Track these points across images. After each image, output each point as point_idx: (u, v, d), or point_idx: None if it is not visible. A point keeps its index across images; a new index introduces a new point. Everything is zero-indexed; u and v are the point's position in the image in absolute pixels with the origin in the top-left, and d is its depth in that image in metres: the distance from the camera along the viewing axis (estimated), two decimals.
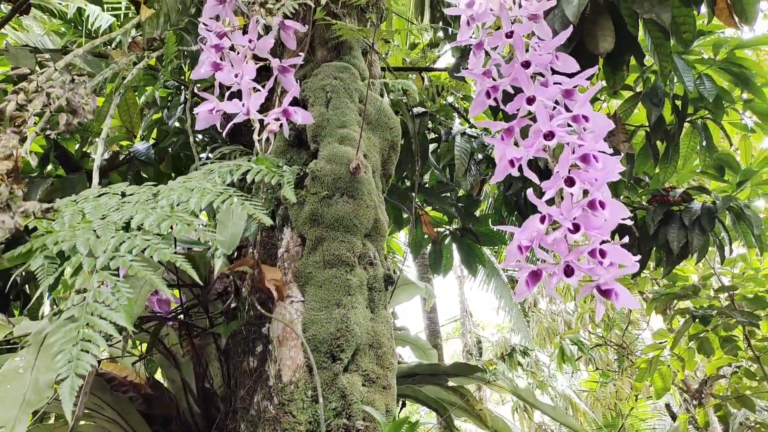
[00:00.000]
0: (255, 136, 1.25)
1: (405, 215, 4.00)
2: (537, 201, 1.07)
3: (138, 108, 2.84)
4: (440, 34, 3.83)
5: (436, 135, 3.50)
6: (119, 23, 4.87)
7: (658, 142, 3.26)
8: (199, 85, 2.08)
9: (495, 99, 1.34)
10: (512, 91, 1.37)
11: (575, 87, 1.26)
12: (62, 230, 0.88)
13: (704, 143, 3.35)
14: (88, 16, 4.97)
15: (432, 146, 3.49)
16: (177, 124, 2.70)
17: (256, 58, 1.35)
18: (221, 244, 1.40)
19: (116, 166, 3.14)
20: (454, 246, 4.02)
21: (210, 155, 2.57)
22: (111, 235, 0.87)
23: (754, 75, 3.05)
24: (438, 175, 3.63)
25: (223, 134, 1.43)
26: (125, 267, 0.79)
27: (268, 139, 1.20)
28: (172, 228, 0.90)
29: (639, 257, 1.05)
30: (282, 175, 1.07)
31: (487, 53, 1.47)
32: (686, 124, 3.27)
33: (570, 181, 1.07)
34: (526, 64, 1.26)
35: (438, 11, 2.65)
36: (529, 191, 1.09)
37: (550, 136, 1.13)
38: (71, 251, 0.81)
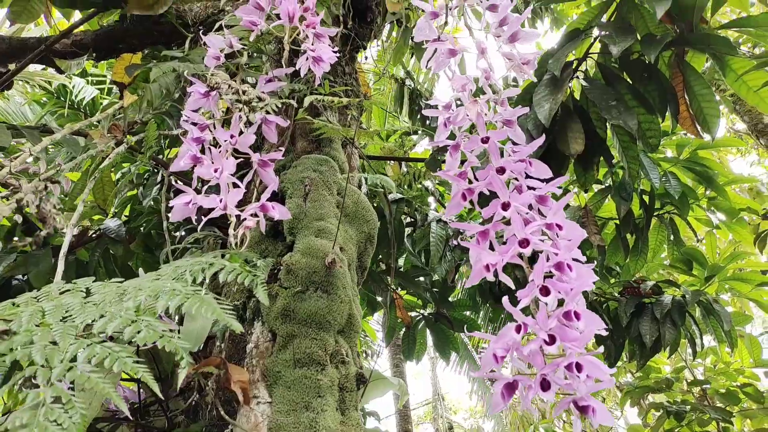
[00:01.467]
0: (230, 230, 1.24)
1: (379, 298, 3.96)
2: (512, 309, 1.06)
3: (113, 185, 2.82)
4: (405, 114, 3.96)
5: (412, 219, 3.53)
6: (102, 97, 4.93)
7: (628, 235, 3.34)
8: (174, 176, 2.08)
9: (471, 201, 1.36)
10: (487, 193, 1.39)
11: (548, 193, 1.29)
12: (18, 334, 0.84)
13: (672, 237, 3.44)
14: (72, 87, 5.02)
15: (407, 229, 3.52)
16: (152, 203, 2.68)
17: (236, 151, 1.36)
18: (187, 338, 1.35)
19: (84, 243, 3.07)
20: (428, 331, 3.97)
21: (183, 232, 2.54)
22: (70, 341, 0.83)
23: (716, 174, 3.19)
24: (413, 260, 3.63)
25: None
26: (82, 381, 0.75)
27: (243, 234, 1.19)
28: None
29: (614, 371, 1.04)
30: (255, 276, 1.05)
31: (463, 153, 1.51)
32: (654, 219, 3.37)
33: (545, 291, 1.07)
34: (501, 170, 1.30)
35: (416, 104, 2.74)
36: (505, 299, 1.08)
37: (525, 243, 1.15)
38: (26, 361, 0.77)
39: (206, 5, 2.64)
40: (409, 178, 3.27)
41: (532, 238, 1.15)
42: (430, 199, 3.82)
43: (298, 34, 1.41)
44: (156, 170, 2.79)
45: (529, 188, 1.34)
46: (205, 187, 1.41)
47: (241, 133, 1.33)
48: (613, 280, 3.65)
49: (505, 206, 1.23)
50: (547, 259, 1.14)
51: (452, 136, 1.53)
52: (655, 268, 3.72)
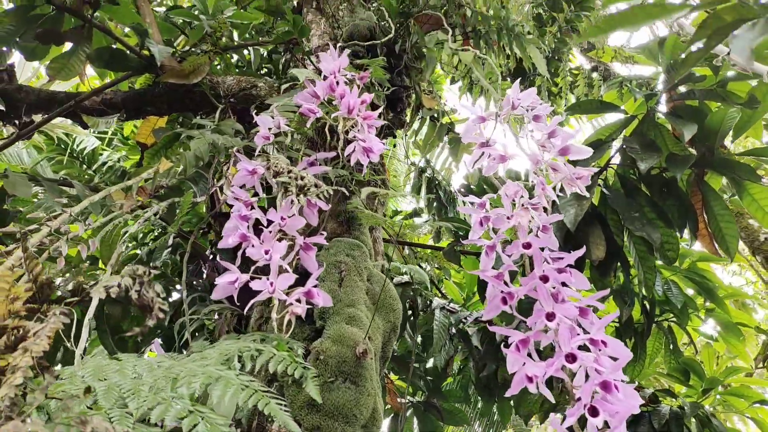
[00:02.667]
0: (273, 314, 1.22)
1: None
2: (560, 429, 1.04)
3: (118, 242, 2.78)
4: (423, 203, 4.02)
5: (412, 303, 3.51)
6: (102, 148, 4.94)
7: (627, 340, 3.34)
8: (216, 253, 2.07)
9: (510, 306, 1.36)
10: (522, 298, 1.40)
11: (589, 306, 1.30)
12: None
13: (671, 346, 3.44)
14: (75, 136, 5.05)
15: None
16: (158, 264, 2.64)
17: (281, 232, 1.37)
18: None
19: (80, 301, 2.98)
20: (415, 420, 3.85)
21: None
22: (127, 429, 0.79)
23: (716, 287, 3.24)
24: (409, 344, 3.58)
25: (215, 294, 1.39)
26: None
27: (289, 320, 1.17)
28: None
29: None
30: (306, 368, 1.02)
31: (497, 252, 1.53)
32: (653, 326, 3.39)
33: (593, 411, 1.06)
34: (545, 279, 1.31)
35: (434, 192, 2.80)
36: (555, 418, 1.07)
37: (571, 358, 1.14)
38: None
39: (239, 80, 2.72)
40: (414, 261, 3.28)
41: (578, 354, 1.14)
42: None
43: (352, 125, 1.46)
44: (164, 232, 2.77)
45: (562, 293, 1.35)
46: (238, 263, 1.40)
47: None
48: None
49: (550, 317, 1.23)
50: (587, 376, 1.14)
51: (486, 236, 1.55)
52: (649, 374, 3.70)
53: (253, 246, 1.25)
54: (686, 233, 2.07)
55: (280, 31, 2.74)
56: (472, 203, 1.56)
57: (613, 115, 2.30)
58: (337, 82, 1.47)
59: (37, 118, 2.97)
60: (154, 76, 2.72)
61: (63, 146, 4.92)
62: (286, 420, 0.86)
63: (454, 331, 3.44)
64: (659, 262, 3.42)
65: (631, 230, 1.95)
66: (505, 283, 1.42)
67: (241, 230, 1.29)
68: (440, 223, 2.59)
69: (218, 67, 3.02)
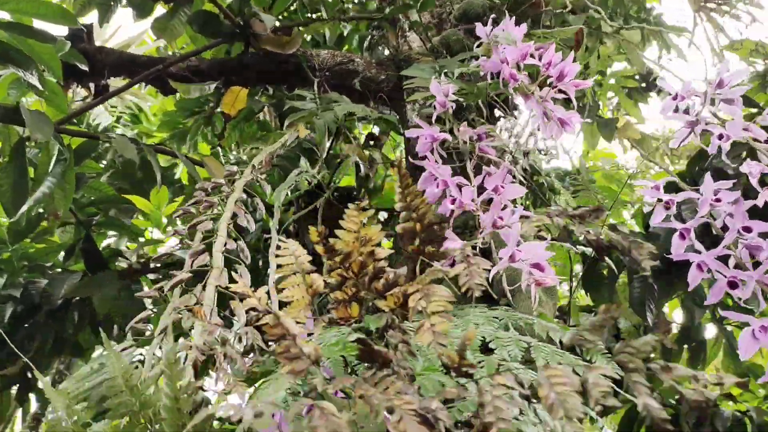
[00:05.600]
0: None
1: None
2: None
3: None
4: None
5: None
6: (114, 125, 4.74)
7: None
8: None
9: None
10: None
11: None
12: None
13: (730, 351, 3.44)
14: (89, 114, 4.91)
15: None
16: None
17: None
18: None
19: (151, 271, 2.87)
20: None
21: None
22: None
23: None
24: None
25: None
26: None
27: None
28: None
29: None
30: None
31: None
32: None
33: None
34: None
35: None
36: None
37: None
38: None
39: (333, 53, 2.63)
40: None
41: None
42: None
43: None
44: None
45: None
46: None
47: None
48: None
49: None
50: None
51: None
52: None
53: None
54: None
55: (374, 6, 2.65)
56: None
57: None
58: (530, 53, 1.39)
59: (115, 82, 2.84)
60: (244, 44, 2.62)
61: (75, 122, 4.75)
62: None
63: None
64: None
65: None
66: None
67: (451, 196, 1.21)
68: None
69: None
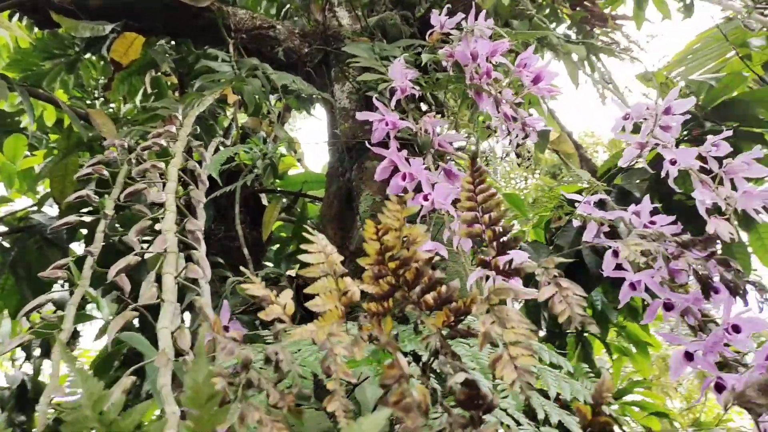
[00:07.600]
0: None
1: None
2: None
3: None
4: None
5: None
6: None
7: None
8: None
9: None
10: None
11: None
12: None
13: (583, 356, 3.73)
14: None
15: None
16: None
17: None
18: None
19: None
20: None
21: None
22: None
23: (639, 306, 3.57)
24: None
25: None
26: None
27: None
28: None
29: None
30: None
31: None
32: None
33: None
34: None
35: None
36: None
37: None
38: None
39: (253, 15, 2.38)
40: None
41: None
42: None
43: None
44: None
45: None
46: None
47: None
48: None
49: None
50: None
51: None
52: None
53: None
54: None
55: None
56: None
57: None
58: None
59: None
60: None
61: None
62: None
63: None
64: None
65: None
66: None
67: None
68: None
69: None
